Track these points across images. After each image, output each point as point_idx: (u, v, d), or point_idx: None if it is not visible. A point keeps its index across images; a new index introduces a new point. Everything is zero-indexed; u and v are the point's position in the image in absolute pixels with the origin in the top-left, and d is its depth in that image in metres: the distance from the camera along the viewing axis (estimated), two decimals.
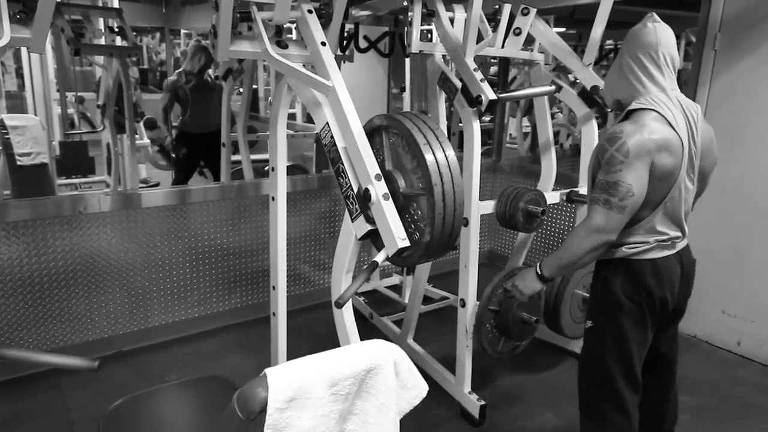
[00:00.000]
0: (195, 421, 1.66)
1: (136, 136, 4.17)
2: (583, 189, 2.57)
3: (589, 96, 2.38)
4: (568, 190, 2.55)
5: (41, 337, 2.56)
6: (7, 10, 1.33)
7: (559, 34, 3.67)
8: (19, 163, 3.53)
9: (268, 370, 0.90)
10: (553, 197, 2.53)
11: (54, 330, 2.59)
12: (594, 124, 2.48)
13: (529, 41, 2.53)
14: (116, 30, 3.37)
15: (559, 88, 2.43)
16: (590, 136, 2.50)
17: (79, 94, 5.45)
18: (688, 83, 2.73)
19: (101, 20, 3.67)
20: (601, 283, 1.66)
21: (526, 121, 5.58)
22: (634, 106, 1.54)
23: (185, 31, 7.40)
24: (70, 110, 5.42)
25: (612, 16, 2.32)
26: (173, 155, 4.44)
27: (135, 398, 1.70)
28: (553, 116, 6.06)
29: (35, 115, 4.50)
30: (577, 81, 2.45)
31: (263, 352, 2.36)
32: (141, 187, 4.14)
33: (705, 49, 2.61)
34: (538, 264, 1.70)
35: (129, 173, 3.69)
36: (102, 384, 2.43)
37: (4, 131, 3.58)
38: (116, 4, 4.43)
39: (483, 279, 2.31)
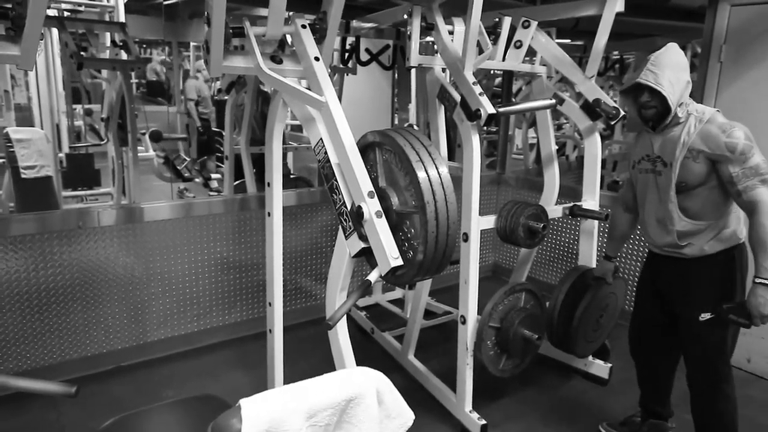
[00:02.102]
0: None
1: (141, 148, 4.18)
2: (586, 203, 2.52)
3: (591, 109, 2.34)
4: (571, 204, 2.50)
5: (39, 352, 2.55)
6: None
7: (565, 45, 3.64)
8: (23, 175, 3.54)
9: (242, 401, 0.86)
10: (555, 211, 2.48)
11: (52, 344, 2.57)
12: (597, 136, 2.44)
13: (532, 53, 2.51)
14: (120, 44, 3.38)
15: (561, 101, 2.39)
16: (593, 148, 2.46)
17: (87, 106, 5.50)
18: (694, 94, 2.69)
19: (107, 34, 3.70)
20: (727, 271, 1.86)
21: (532, 132, 5.54)
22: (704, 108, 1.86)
23: (194, 44, 7.45)
24: (78, 122, 5.46)
25: (616, 28, 2.29)
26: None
27: (128, 417, 1.67)
28: (560, 127, 6.03)
29: (42, 127, 4.54)
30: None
31: (262, 368, 2.33)
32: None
33: (711, 61, 2.56)
34: (757, 277, 1.68)
35: (133, 186, 3.69)
36: (99, 400, 2.41)
37: (9, 144, 3.60)
38: (122, 18, 4.46)
39: (487, 293, 2.26)
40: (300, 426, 0.87)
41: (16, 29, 1.38)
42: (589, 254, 2.57)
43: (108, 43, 3.79)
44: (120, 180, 3.72)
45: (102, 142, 4.25)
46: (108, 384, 2.59)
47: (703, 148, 1.75)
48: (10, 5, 1.38)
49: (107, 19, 4.67)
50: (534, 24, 2.31)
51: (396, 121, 4.75)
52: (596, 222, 2.54)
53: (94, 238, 2.60)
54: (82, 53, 3.07)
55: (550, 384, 2.70)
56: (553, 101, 2.17)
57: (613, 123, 2.31)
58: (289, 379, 2.07)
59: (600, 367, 2.67)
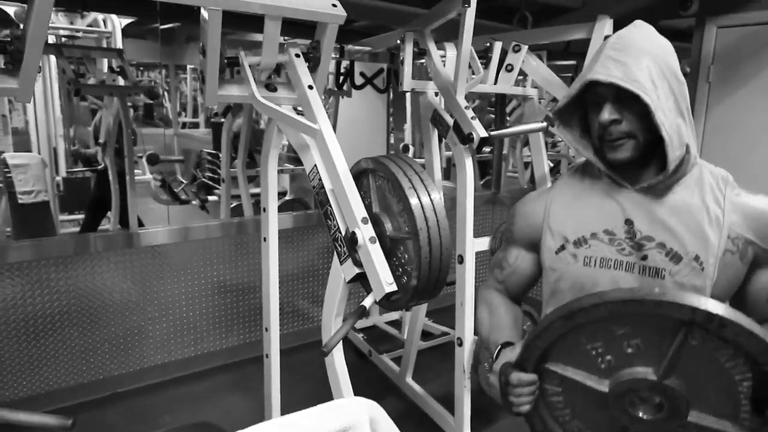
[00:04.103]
0: None
1: (138, 171, 4.20)
2: None
3: None
4: None
5: (35, 380, 2.54)
6: None
7: (557, 65, 3.69)
8: (20, 201, 3.55)
9: None
10: None
11: (48, 372, 2.57)
12: None
13: (524, 75, 2.54)
14: (117, 69, 3.42)
15: (553, 123, 2.43)
16: None
17: (86, 128, 5.53)
18: None
19: (104, 60, 3.74)
20: None
21: (527, 151, 5.58)
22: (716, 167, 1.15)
23: (191, 66, 7.51)
24: (75, 147, 5.48)
25: None
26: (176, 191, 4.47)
27: None
28: (555, 145, 6.08)
29: (39, 152, 4.55)
30: None
31: (259, 392, 2.32)
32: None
33: (699, 81, 2.60)
34: None
35: (130, 209, 3.70)
36: (95, 428, 2.40)
37: (7, 170, 3.62)
38: (120, 44, 4.51)
39: None
40: None
41: (14, 63, 1.41)
42: None
43: (105, 68, 3.83)
44: (117, 204, 3.73)
45: (99, 167, 4.27)
46: (104, 411, 2.58)
47: (751, 236, 1.06)
48: (8, 39, 1.41)
49: (105, 44, 4.73)
50: (525, 48, 2.35)
51: (392, 141, 4.79)
52: None
53: (91, 264, 2.61)
54: (79, 79, 3.10)
55: None
56: (545, 124, 2.20)
57: None
58: (286, 402, 2.07)
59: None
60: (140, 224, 3.73)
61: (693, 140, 1.09)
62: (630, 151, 1.07)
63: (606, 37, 2.26)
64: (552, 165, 4.99)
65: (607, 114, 1.05)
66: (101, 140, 3.83)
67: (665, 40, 1.09)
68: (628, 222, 1.11)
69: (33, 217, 3.60)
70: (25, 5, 1.39)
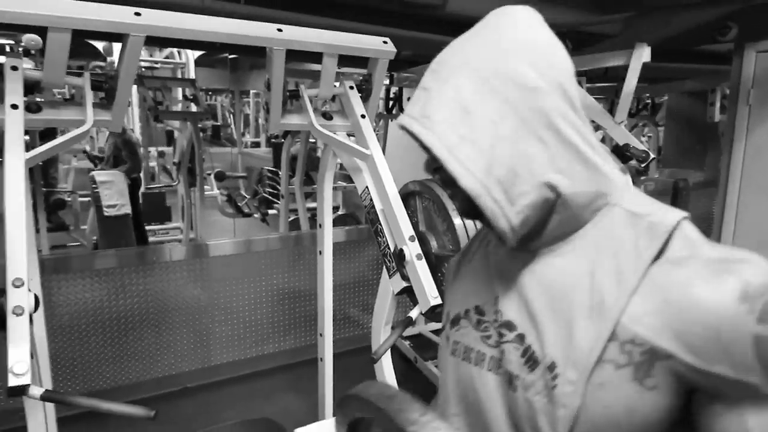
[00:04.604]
0: None
1: (207, 187, 4.40)
2: None
3: (621, 152, 2.34)
4: None
5: (117, 374, 2.70)
6: (92, 97, 1.49)
7: (596, 87, 3.64)
8: (105, 213, 3.79)
9: (297, 430, 0.92)
10: None
11: (129, 367, 2.72)
12: (628, 179, 2.43)
13: None
14: (190, 97, 3.61)
15: None
16: None
17: (160, 149, 5.85)
18: (724, 135, 2.64)
19: (179, 89, 3.98)
20: None
21: None
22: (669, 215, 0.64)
23: (254, 92, 7.83)
24: (152, 163, 5.80)
25: (646, 73, 2.29)
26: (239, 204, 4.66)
27: None
28: None
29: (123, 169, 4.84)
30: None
31: (313, 393, 2.39)
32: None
33: (739, 104, 2.52)
34: None
35: (199, 221, 3.89)
36: (169, 419, 2.52)
37: (94, 186, 3.87)
38: (192, 73, 4.77)
39: None
40: None
41: (108, 98, 1.54)
42: None
43: (180, 96, 4.06)
44: (189, 217, 3.92)
45: (174, 183, 4.50)
46: (176, 404, 2.71)
47: (667, 344, 0.57)
48: (104, 80, 1.55)
49: (180, 74, 5.00)
50: None
51: None
52: None
53: (166, 271, 2.76)
54: (158, 106, 3.30)
55: None
56: None
57: (643, 166, 2.30)
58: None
59: None
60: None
61: (586, 173, 0.65)
62: (462, 201, 0.70)
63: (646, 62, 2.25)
64: None
65: (425, 161, 0.72)
66: (176, 160, 4.03)
67: (528, 34, 0.66)
68: (496, 298, 0.74)
69: (116, 227, 3.84)
70: (111, 42, 1.52)
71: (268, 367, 3.09)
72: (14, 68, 1.38)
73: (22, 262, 1.15)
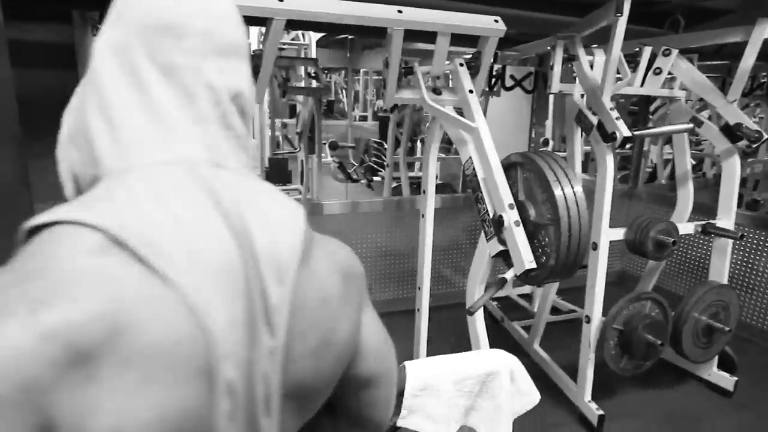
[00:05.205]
0: None
1: (323, 155, 4.58)
2: (721, 221, 2.28)
3: (731, 131, 2.10)
4: (704, 222, 2.27)
5: None
6: None
7: (706, 66, 3.26)
8: None
9: (407, 363, 0.98)
10: (687, 228, 2.27)
11: None
12: (736, 158, 2.18)
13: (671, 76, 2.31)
14: (312, 75, 3.74)
15: (699, 124, 2.19)
16: (731, 169, 2.21)
17: (284, 120, 6.15)
18: None
19: (302, 68, 4.13)
20: None
21: (668, 148, 5.02)
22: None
23: (363, 70, 7.93)
24: (277, 133, 6.12)
25: (764, 49, 2.02)
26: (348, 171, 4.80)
27: None
28: (699, 143, 5.37)
29: (253, 137, 5.18)
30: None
31: (408, 341, 2.47)
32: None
33: None
34: None
35: (316, 184, 4.08)
36: None
37: None
38: (314, 53, 4.92)
39: (611, 297, 2.16)
40: (449, 388, 0.97)
41: (254, 75, 1.65)
42: (721, 270, 2.31)
43: (303, 74, 4.22)
44: (307, 180, 4.13)
45: (295, 150, 4.73)
46: None
47: None
48: (251, 57, 1.66)
49: (303, 54, 5.18)
50: (675, 52, 2.13)
51: (533, 135, 4.63)
52: (730, 240, 2.28)
53: None
54: (286, 83, 3.47)
55: (672, 389, 2.48)
56: (691, 125, 1.99)
57: (755, 146, 2.06)
58: (430, 352, 2.19)
59: (725, 379, 2.40)
60: None
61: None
62: None
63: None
64: (694, 163, 4.44)
65: None
66: (298, 130, 4.23)
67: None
68: None
69: None
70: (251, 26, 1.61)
71: None
72: None
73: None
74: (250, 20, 2.07)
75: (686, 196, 2.39)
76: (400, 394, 0.95)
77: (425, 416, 0.96)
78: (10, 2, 1.93)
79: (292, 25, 1.62)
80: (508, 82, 3.07)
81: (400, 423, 0.95)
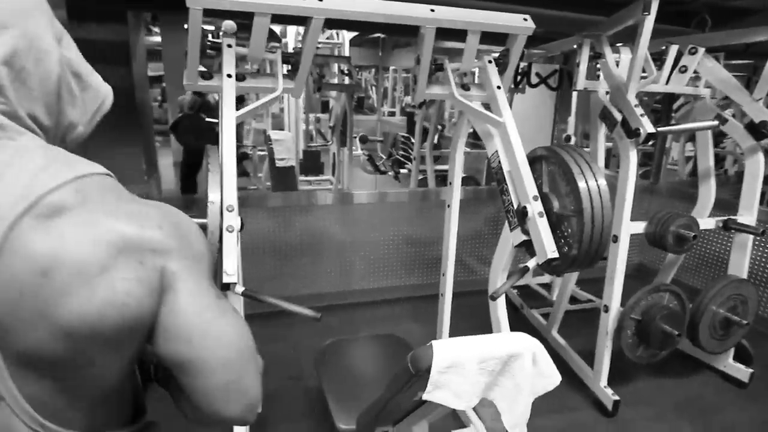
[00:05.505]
0: (378, 365, 1.85)
1: (353, 148, 4.61)
2: (742, 217, 2.20)
3: (756, 129, 2.02)
4: (725, 218, 2.20)
5: (280, 287, 3.02)
6: (282, 69, 1.63)
7: (732, 65, 3.13)
8: (277, 164, 4.16)
9: (434, 342, 0.99)
10: (708, 223, 2.21)
11: (289, 284, 3.03)
12: (760, 156, 2.10)
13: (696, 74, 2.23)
14: (346, 72, 3.76)
15: (724, 121, 2.11)
16: (755, 167, 2.13)
17: (317, 115, 6.19)
18: None
19: (335, 65, 4.14)
20: None
21: (690, 146, 4.85)
22: None
23: (393, 68, 7.90)
24: (311, 127, 6.18)
25: None
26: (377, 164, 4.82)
27: (339, 341, 1.95)
28: (721, 142, 5.17)
29: (289, 130, 5.24)
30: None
31: (431, 324, 2.48)
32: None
33: None
34: None
35: (346, 175, 4.11)
36: (318, 327, 2.78)
37: (270, 143, 4.25)
38: (347, 52, 4.92)
39: (629, 289, 2.13)
40: (473, 367, 0.97)
41: (293, 71, 1.67)
42: (740, 265, 2.24)
43: (336, 71, 4.24)
44: (338, 171, 4.16)
45: (328, 143, 4.76)
46: (324, 316, 2.97)
47: None
48: (291, 55, 1.68)
49: (336, 52, 5.20)
50: (701, 50, 2.06)
51: (555, 132, 4.55)
52: (751, 236, 2.21)
53: (320, 212, 2.99)
54: (321, 79, 3.49)
55: (687, 378, 2.43)
56: (715, 123, 1.92)
57: None
58: (452, 334, 2.19)
59: (741, 371, 2.34)
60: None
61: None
62: None
63: None
64: (717, 160, 4.29)
65: None
66: (331, 124, 4.26)
67: None
68: None
69: (284, 176, 4.20)
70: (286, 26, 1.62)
71: (394, 297, 3.26)
72: (229, 46, 1.55)
73: (233, 192, 1.33)
74: (291, 19, 2.09)
75: (708, 192, 2.32)
76: (427, 371, 0.96)
77: (450, 391, 0.98)
78: (73, 3, 2.01)
79: (329, 24, 1.63)
80: (534, 80, 3.02)
81: (425, 397, 0.97)
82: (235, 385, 0.60)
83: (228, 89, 1.48)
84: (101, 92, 0.68)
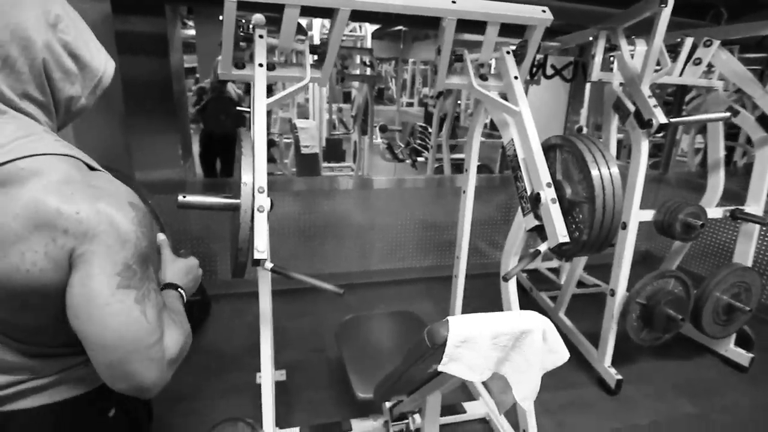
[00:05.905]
0: (394, 339, 1.86)
1: (374, 137, 4.59)
2: (749, 207, 2.13)
3: (767, 121, 1.94)
4: (733, 207, 2.13)
5: (305, 266, 3.05)
6: (310, 59, 1.61)
7: (745, 58, 3.00)
8: (302, 151, 4.17)
9: (450, 318, 0.99)
10: (715, 213, 2.14)
11: (312, 263, 3.06)
12: None
13: (709, 66, 2.14)
14: (367, 63, 3.72)
15: (736, 113, 2.03)
16: (765, 159, 2.05)
17: (340, 105, 6.17)
18: None
19: (358, 57, 4.10)
20: None
21: (699, 138, 4.69)
22: None
23: (412, 60, 7.78)
24: (333, 116, 6.16)
25: None
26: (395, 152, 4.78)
27: (359, 317, 1.97)
28: (732, 134, 4.98)
29: (314, 119, 5.23)
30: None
31: (444, 303, 2.48)
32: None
33: None
34: None
35: (366, 163, 4.09)
36: (339, 303, 2.82)
37: (295, 130, 4.25)
38: (369, 44, 4.86)
39: (635, 275, 2.09)
40: (486, 342, 0.97)
41: (320, 61, 1.65)
42: (746, 254, 2.18)
43: (358, 62, 4.19)
44: (359, 158, 4.15)
45: (349, 132, 4.75)
46: (345, 294, 3.00)
47: None
48: (318, 46, 1.66)
49: (359, 45, 5.13)
50: (716, 43, 1.97)
51: (568, 123, 4.44)
52: (757, 225, 2.13)
53: (341, 197, 2.99)
54: (344, 70, 3.46)
55: (689, 360, 2.39)
56: (728, 114, 1.84)
57: None
58: (464, 313, 2.18)
59: (742, 355, 2.28)
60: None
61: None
62: None
63: None
64: (726, 152, 4.14)
65: None
66: (353, 113, 4.24)
67: None
68: None
69: (308, 163, 4.21)
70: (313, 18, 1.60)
71: (409, 277, 3.26)
72: (261, 36, 1.54)
73: (263, 175, 1.33)
74: (318, 12, 2.07)
75: (717, 182, 2.24)
76: (443, 345, 0.96)
77: (464, 364, 0.97)
78: None
79: (354, 16, 1.60)
80: (549, 71, 2.93)
81: (441, 368, 0.97)
82: (119, 366, 0.62)
83: (260, 78, 1.48)
84: (99, 70, 0.71)
